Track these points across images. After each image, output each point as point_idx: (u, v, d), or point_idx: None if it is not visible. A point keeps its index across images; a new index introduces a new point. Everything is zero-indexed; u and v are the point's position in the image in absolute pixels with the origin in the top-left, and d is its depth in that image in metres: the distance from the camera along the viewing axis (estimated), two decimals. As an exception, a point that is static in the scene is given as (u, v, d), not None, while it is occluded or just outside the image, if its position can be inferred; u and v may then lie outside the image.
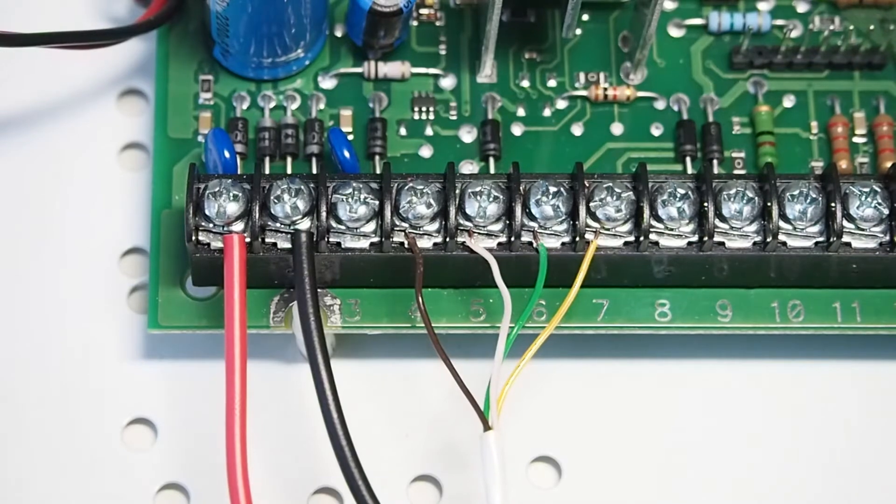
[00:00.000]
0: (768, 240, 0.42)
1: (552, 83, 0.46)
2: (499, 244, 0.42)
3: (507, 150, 0.46)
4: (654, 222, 0.42)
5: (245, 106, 0.46)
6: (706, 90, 0.47)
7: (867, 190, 0.42)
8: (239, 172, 0.44)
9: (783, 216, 0.42)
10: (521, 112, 0.46)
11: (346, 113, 0.46)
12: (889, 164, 0.45)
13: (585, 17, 0.47)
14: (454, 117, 0.46)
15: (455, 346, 0.42)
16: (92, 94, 0.47)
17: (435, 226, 0.42)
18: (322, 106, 0.46)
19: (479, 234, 0.42)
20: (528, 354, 0.41)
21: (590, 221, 0.42)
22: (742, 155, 0.46)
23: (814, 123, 0.46)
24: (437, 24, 0.47)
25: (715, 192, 0.42)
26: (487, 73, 0.46)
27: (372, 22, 0.44)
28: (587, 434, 0.45)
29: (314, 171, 0.45)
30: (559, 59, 0.47)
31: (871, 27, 0.47)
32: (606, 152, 0.46)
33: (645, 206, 0.41)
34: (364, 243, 0.42)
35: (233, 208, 0.41)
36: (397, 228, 0.41)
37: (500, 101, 0.46)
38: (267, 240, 0.41)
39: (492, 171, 0.45)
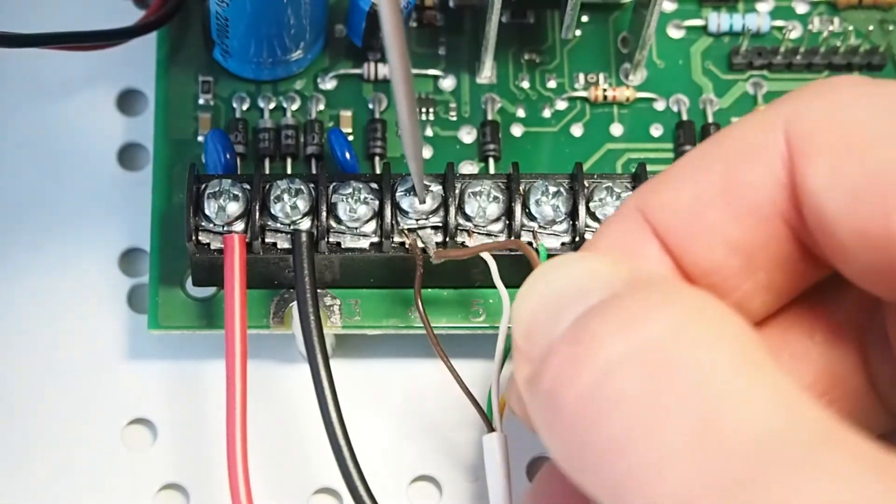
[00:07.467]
0: (768, 240, 0.42)
1: (552, 84, 0.46)
2: (499, 244, 0.42)
3: (507, 151, 0.46)
4: (653, 222, 0.42)
5: (245, 107, 0.46)
6: (706, 91, 0.47)
7: (867, 190, 0.42)
8: (239, 173, 0.44)
9: (783, 216, 0.42)
10: (520, 113, 0.46)
11: (346, 114, 0.46)
12: (888, 165, 0.45)
13: (585, 19, 0.47)
14: (454, 118, 0.46)
15: (455, 346, 0.42)
16: (92, 95, 0.47)
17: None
18: (322, 107, 0.46)
19: (478, 234, 0.42)
20: (528, 354, 0.41)
21: (589, 221, 0.42)
22: (741, 156, 0.46)
23: (813, 124, 0.46)
24: (437, 25, 0.47)
25: (715, 192, 0.42)
26: (487, 74, 0.46)
27: (372, 23, 0.44)
28: (587, 434, 0.44)
29: (314, 172, 0.45)
30: (559, 60, 0.47)
31: (871, 28, 0.47)
32: (606, 153, 0.46)
33: (645, 206, 0.41)
34: (364, 243, 0.42)
35: (233, 208, 0.41)
36: (397, 228, 0.41)
37: (499, 102, 0.46)
38: (267, 240, 0.41)
39: (491, 171, 0.45)
